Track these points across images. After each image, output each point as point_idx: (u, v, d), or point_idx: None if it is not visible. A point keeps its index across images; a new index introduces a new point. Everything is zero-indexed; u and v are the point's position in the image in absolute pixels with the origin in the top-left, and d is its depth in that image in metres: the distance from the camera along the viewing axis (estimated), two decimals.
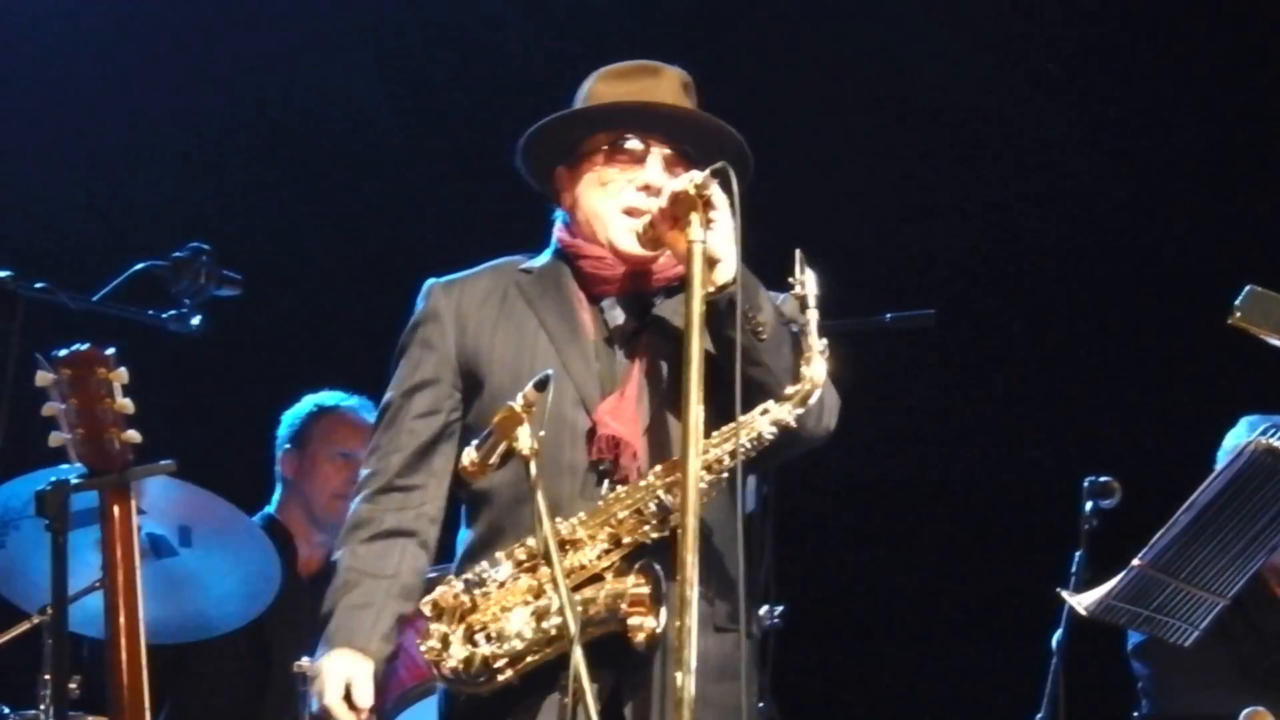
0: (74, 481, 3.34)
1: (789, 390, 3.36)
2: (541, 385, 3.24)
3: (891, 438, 6.79)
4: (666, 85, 3.56)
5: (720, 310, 3.33)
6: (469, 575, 3.39)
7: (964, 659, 6.81)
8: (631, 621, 3.30)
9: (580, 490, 3.42)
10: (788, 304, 3.45)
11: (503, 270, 3.63)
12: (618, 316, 3.54)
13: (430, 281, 3.64)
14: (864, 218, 6.69)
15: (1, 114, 6.21)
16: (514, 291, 3.57)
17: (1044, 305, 6.94)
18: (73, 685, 4.05)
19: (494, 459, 3.27)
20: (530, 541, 3.36)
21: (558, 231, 3.63)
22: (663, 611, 3.29)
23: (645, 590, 3.30)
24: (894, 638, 7.00)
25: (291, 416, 5.43)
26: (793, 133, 6.39)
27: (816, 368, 3.36)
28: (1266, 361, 3.67)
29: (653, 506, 3.35)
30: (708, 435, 3.32)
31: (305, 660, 4.10)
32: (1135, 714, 5.20)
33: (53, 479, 3.36)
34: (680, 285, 3.48)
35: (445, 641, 3.37)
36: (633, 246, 3.49)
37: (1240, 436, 4.93)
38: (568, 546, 3.35)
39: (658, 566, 3.31)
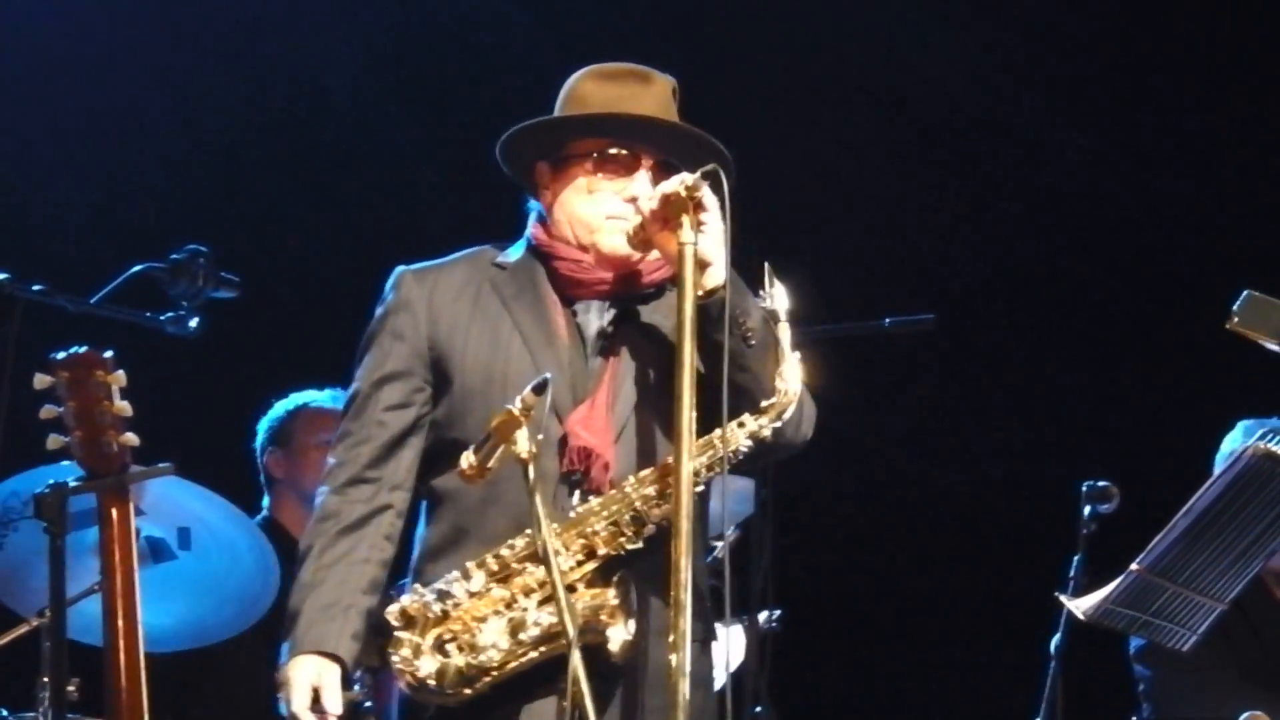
0: (72, 484, 3.34)
1: (764, 404, 3.35)
2: (540, 389, 3.22)
3: (890, 442, 6.79)
4: (656, 94, 3.52)
5: (711, 315, 3.31)
6: (440, 586, 3.36)
7: (962, 663, 6.80)
8: (610, 633, 3.30)
9: (552, 500, 3.38)
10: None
11: (476, 262, 3.58)
12: (591, 321, 3.50)
13: (400, 269, 3.59)
14: (864, 223, 6.69)
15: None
16: (488, 288, 3.53)
17: (1043, 310, 6.93)
18: (71, 688, 4.04)
19: (493, 462, 3.25)
20: (503, 551, 3.35)
21: (533, 227, 3.58)
22: (631, 622, 3.30)
23: (618, 602, 3.30)
24: (892, 642, 6.98)
25: (268, 420, 5.47)
26: (791, 137, 6.40)
27: (791, 381, 3.35)
28: (1264, 366, 3.67)
29: (628, 518, 3.34)
30: None
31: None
32: (1134, 719, 5.20)
33: (51, 481, 3.36)
34: (657, 291, 3.49)
35: (416, 651, 3.35)
36: (621, 246, 3.45)
37: (1237, 441, 4.93)
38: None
39: (629, 579, 3.31)
